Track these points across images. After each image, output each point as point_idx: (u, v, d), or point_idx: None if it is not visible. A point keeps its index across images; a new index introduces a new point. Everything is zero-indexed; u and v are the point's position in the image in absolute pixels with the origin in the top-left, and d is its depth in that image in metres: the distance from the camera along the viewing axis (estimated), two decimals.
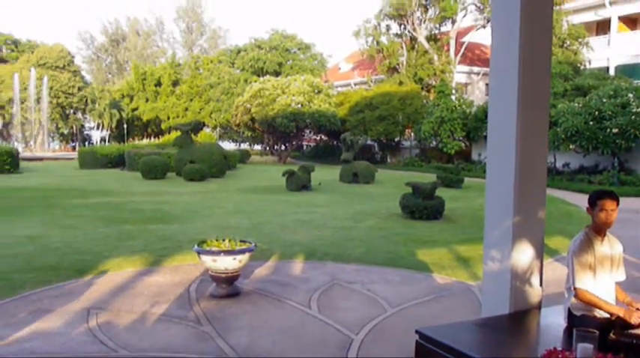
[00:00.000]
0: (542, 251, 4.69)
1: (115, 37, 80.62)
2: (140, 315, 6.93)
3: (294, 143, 46.10)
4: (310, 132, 46.08)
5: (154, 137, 57.59)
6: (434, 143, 37.33)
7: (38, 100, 53.82)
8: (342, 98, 44.45)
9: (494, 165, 4.77)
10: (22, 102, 53.75)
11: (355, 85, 53.20)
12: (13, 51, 64.12)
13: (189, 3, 78.55)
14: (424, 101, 40.18)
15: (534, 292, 4.66)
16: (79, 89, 59.02)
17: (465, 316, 6.19)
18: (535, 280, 4.64)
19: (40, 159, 43.21)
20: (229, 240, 7.78)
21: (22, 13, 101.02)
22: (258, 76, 50.54)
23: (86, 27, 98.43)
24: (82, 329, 6.44)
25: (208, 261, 7.53)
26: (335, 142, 44.63)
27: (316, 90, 41.62)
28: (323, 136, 48.28)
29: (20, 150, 40.80)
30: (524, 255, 4.54)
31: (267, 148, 49.89)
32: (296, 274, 9.15)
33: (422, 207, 14.73)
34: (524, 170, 4.46)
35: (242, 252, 7.56)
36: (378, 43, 47.00)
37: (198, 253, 7.62)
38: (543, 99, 4.67)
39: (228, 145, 53.38)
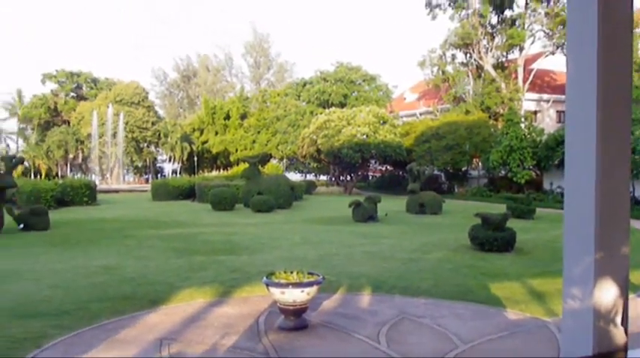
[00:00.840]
0: (627, 287, 4.43)
1: (186, 73, 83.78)
2: (211, 347, 7.00)
3: (359, 173, 46.11)
4: (376, 162, 46.01)
5: (223, 169, 58.96)
6: (503, 172, 36.44)
7: (115, 135, 56.35)
8: (408, 128, 44.23)
9: (573, 195, 4.57)
10: (100, 137, 56.40)
11: (421, 114, 52.91)
12: (92, 89, 67.63)
13: (256, 38, 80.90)
14: (492, 130, 39.43)
15: (619, 332, 4.39)
16: (153, 124, 61.42)
17: (542, 355, 5.90)
18: (620, 319, 4.37)
19: (116, 191, 45.01)
20: (297, 273, 7.79)
21: (101, 52, 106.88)
22: (324, 107, 51.13)
23: (159, 64, 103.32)
24: None
25: (277, 293, 7.56)
26: (401, 172, 44.29)
27: (381, 121, 41.65)
28: (388, 166, 48.06)
29: (97, 182, 42.69)
30: (607, 292, 4.30)
31: (333, 179, 50.11)
32: (364, 307, 9.04)
33: (492, 238, 14.32)
34: (605, 201, 4.24)
35: (310, 284, 7.55)
36: (443, 72, 46.75)
37: (267, 285, 7.66)
38: (624, 126, 4.45)
39: (294, 176, 53.96)
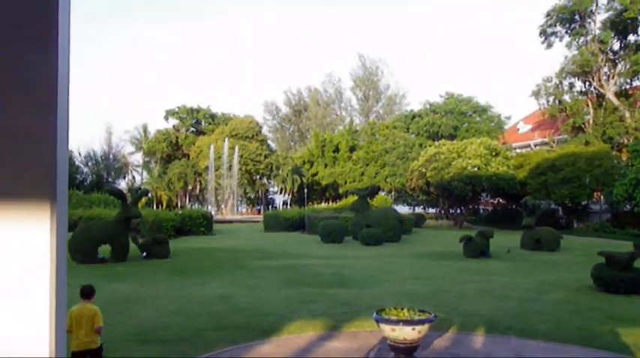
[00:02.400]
0: None
1: (297, 107, 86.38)
2: None
3: (470, 207, 44.91)
4: (487, 195, 44.63)
5: (332, 201, 59.73)
6: (628, 207, 33.98)
7: (230, 168, 58.97)
8: (522, 160, 42.60)
9: None
10: (217, 170, 59.24)
11: (535, 146, 50.84)
12: (210, 124, 71.48)
13: (365, 72, 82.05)
14: (615, 161, 37.03)
15: None
16: (265, 156, 63.67)
17: None
18: None
19: (230, 221, 46.83)
20: (408, 309, 7.68)
21: (219, 89, 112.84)
22: (433, 140, 50.64)
23: (272, 99, 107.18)
24: None
25: (387, 329, 7.48)
26: (514, 206, 42.59)
27: (493, 153, 40.47)
28: (501, 200, 46.42)
29: (213, 213, 44.66)
30: None
31: (442, 212, 49.15)
32: (477, 348, 8.71)
33: (618, 279, 13.33)
34: None
35: (422, 322, 7.41)
36: (560, 102, 44.82)
37: (377, 321, 7.60)
38: None
39: (402, 209, 53.54)
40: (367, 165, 60.47)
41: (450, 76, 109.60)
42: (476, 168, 38.96)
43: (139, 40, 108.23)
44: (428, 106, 56.29)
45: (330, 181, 62.93)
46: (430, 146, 44.87)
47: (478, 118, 54.56)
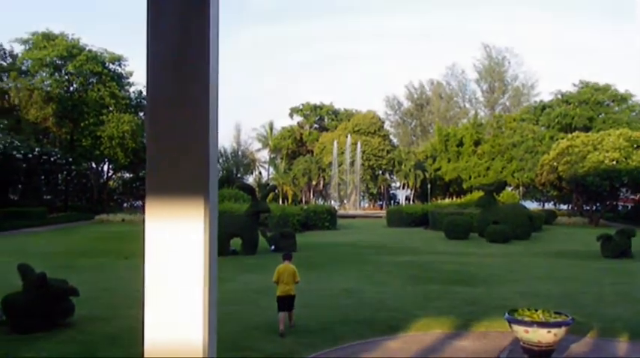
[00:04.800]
0: None
1: (419, 101, 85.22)
2: None
3: (607, 203, 41.87)
4: (627, 191, 41.41)
5: (456, 196, 58.36)
6: None
7: (353, 163, 59.51)
8: None
9: None
10: (340, 165, 60.04)
11: None
12: (333, 120, 72.60)
13: (491, 63, 79.13)
14: None
15: None
16: (388, 152, 63.54)
17: None
18: None
19: (353, 216, 47.26)
20: (543, 311, 7.33)
21: (341, 85, 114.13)
22: (566, 132, 47.80)
23: (393, 93, 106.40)
24: None
25: (520, 331, 7.19)
26: None
27: (635, 145, 37.44)
28: None
29: (336, 208, 45.31)
30: None
31: (575, 209, 46.27)
32: (619, 355, 8.12)
33: None
34: None
35: (558, 325, 7.04)
36: None
37: (510, 322, 7.33)
38: None
39: (531, 205, 51.15)
40: (493, 159, 58.40)
41: (585, 63, 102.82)
42: (614, 162, 36.27)
43: (264, 39, 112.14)
44: (559, 96, 53.25)
45: (453, 176, 61.49)
46: (562, 139, 42.35)
47: (617, 108, 50.79)
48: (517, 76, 79.04)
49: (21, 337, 8.76)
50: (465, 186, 59.62)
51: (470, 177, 59.53)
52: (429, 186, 62.94)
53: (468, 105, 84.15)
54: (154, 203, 2.19)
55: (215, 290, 2.32)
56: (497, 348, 8.27)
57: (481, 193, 31.46)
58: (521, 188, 56.97)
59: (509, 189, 55.26)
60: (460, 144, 62.41)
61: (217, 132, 2.33)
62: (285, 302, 9.59)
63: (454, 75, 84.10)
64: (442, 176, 62.87)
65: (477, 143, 61.83)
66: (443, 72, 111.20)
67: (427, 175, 62.93)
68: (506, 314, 7.45)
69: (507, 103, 79.52)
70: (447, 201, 52.17)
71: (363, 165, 60.30)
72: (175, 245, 2.16)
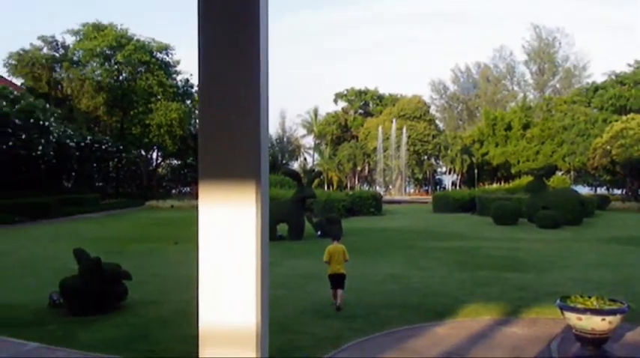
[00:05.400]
0: None
1: (465, 85, 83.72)
2: None
3: None
4: None
5: (504, 181, 57.31)
6: None
7: (398, 148, 59.10)
8: None
9: None
10: (384, 151, 59.72)
11: None
12: (377, 105, 72.16)
13: (541, 44, 76.95)
14: None
15: None
16: (433, 137, 62.82)
17: None
18: None
19: (398, 202, 47.00)
20: (596, 298, 7.13)
21: (386, 70, 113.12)
22: (620, 114, 46.20)
23: (439, 77, 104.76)
24: None
25: (572, 318, 7.02)
26: None
27: None
28: None
29: (382, 194, 45.15)
30: None
31: (630, 193, 44.79)
32: None
33: None
34: None
35: (613, 312, 6.84)
36: None
37: (562, 309, 7.17)
38: None
39: (582, 190, 49.77)
40: (542, 143, 57.00)
41: None
42: None
43: (308, 24, 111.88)
44: (613, 77, 51.45)
45: (501, 161, 60.35)
46: (616, 121, 41.00)
47: None
48: (568, 57, 76.62)
49: (77, 319, 9.08)
50: (513, 170, 58.46)
51: (518, 162, 58.32)
52: (475, 171, 61.96)
53: (516, 88, 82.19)
54: (207, 188, 2.22)
55: (267, 273, 2.34)
56: (548, 335, 8.11)
57: (530, 178, 30.83)
58: (572, 172, 55.48)
59: (559, 173, 53.89)
60: (508, 128, 61.13)
61: (268, 118, 2.35)
62: (336, 280, 10.17)
63: (502, 57, 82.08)
64: (489, 161, 61.78)
65: (525, 126, 60.42)
66: (490, 54, 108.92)
67: (474, 160, 61.93)
68: (558, 301, 7.28)
69: (558, 85, 77.30)
70: (495, 186, 51.32)
71: (408, 150, 59.81)
72: (228, 228, 2.19)
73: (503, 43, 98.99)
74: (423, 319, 9.04)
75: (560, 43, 76.61)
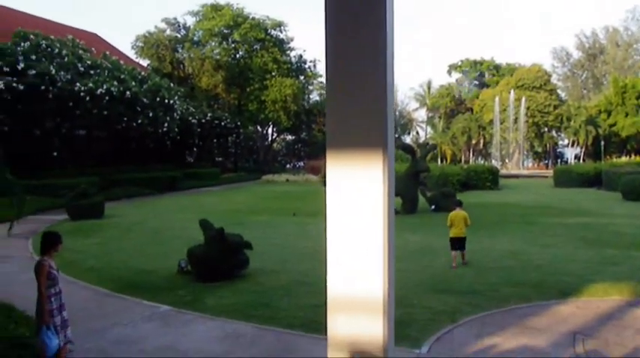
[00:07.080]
0: None
1: (591, 51, 78.09)
2: (631, 350, 6.44)
3: None
4: None
5: (634, 154, 53.26)
6: None
7: (515, 120, 56.63)
8: None
9: None
10: (501, 123, 57.45)
11: None
12: (494, 76, 69.39)
13: None
14: None
15: None
16: (555, 107, 59.51)
17: None
18: None
19: (516, 176, 45.23)
20: None
21: (504, 39, 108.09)
22: None
23: (561, 44, 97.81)
24: (569, 353, 6.38)
25: None
26: None
27: None
28: None
29: (498, 167, 43.62)
30: None
31: None
32: None
33: None
34: None
35: None
36: None
37: None
38: None
39: None
40: None
41: None
42: None
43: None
44: None
45: (632, 132, 55.95)
46: None
47: None
48: None
49: (204, 285, 9.66)
50: None
51: None
52: (602, 143, 58.00)
53: None
54: (335, 155, 2.27)
55: (393, 241, 2.37)
56: None
57: None
58: None
59: None
60: None
61: (393, 86, 2.35)
62: (457, 243, 11.21)
63: (635, 19, 75.51)
64: (618, 132, 57.50)
65: None
66: (621, 17, 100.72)
67: (600, 131, 57.97)
68: None
69: None
70: (624, 159, 47.81)
71: (527, 122, 57.12)
72: (356, 196, 2.23)
73: (638, 4, 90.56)
74: (544, 297, 8.69)
75: None
